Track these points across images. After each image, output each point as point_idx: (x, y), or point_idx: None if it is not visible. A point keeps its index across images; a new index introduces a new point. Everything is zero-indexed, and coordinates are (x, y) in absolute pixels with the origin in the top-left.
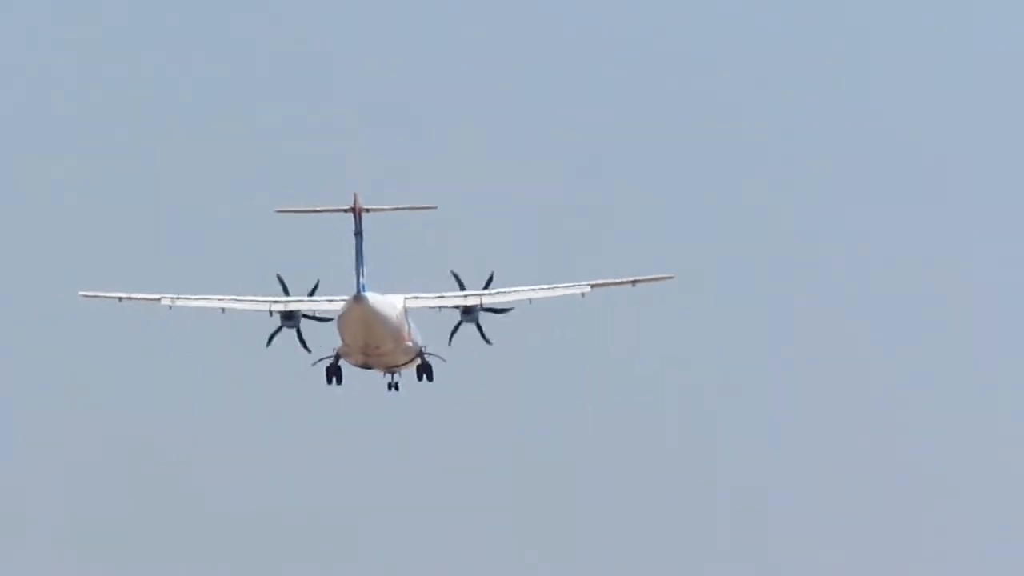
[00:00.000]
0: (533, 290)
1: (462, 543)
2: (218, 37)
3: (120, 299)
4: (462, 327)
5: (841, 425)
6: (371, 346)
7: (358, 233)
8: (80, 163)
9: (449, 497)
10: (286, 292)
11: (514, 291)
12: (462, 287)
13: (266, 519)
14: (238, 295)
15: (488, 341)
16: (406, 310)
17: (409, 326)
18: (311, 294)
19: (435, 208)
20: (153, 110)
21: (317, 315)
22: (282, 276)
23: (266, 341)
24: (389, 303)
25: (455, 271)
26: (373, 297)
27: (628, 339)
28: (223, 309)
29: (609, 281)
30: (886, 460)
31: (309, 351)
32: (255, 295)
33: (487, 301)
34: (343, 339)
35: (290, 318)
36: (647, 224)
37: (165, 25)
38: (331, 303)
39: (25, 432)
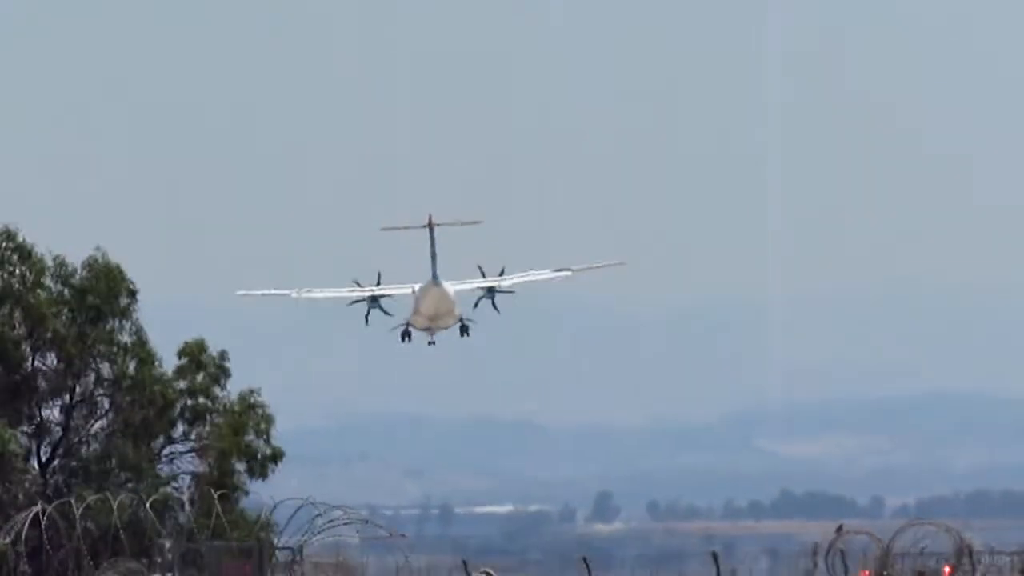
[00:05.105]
0: (533, 274)
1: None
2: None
3: (263, 294)
4: (482, 301)
5: None
6: (438, 314)
7: (432, 241)
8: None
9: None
10: (378, 284)
11: (520, 276)
12: (483, 275)
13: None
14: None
15: (497, 311)
16: (456, 292)
17: (457, 302)
18: (377, 282)
19: (481, 222)
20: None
21: (383, 308)
22: (380, 274)
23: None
24: (449, 286)
25: (479, 265)
26: (443, 283)
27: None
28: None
29: (584, 267)
30: None
31: (368, 324)
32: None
33: (504, 285)
34: (419, 309)
35: (374, 301)
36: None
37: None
38: (400, 289)
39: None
